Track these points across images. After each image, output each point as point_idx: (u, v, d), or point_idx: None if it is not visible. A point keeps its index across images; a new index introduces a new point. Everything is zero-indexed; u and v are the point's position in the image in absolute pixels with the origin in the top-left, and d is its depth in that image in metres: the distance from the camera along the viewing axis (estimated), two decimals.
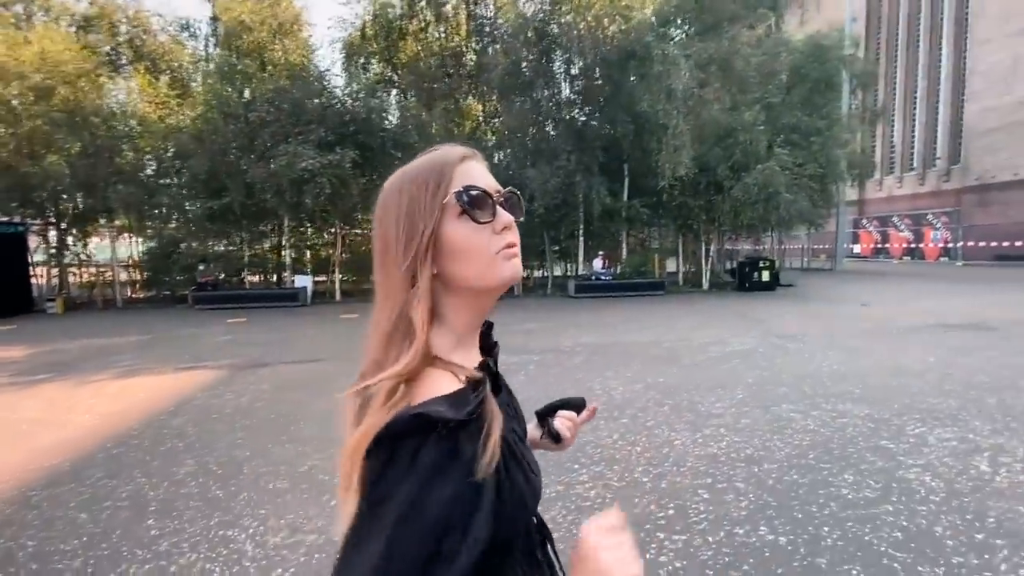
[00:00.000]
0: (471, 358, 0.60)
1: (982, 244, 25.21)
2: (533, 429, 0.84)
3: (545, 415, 0.85)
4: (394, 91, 15.09)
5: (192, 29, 16.31)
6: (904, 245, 31.01)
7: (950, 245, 27.36)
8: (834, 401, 4.48)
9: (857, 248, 33.43)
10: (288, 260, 14.61)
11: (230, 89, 12.55)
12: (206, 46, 16.44)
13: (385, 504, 0.47)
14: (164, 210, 14.36)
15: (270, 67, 13.82)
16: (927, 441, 3.56)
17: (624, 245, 16.33)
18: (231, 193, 12.79)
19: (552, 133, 12.98)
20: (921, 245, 30.07)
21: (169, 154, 14.03)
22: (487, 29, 13.31)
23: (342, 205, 12.60)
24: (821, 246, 26.72)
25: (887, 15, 33.99)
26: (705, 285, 15.97)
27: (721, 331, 8.14)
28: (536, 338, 7.93)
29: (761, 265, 14.94)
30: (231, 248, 15.12)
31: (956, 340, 6.86)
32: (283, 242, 14.86)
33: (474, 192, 0.58)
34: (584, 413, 0.87)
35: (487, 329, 0.69)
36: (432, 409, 0.49)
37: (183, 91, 15.35)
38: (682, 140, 12.34)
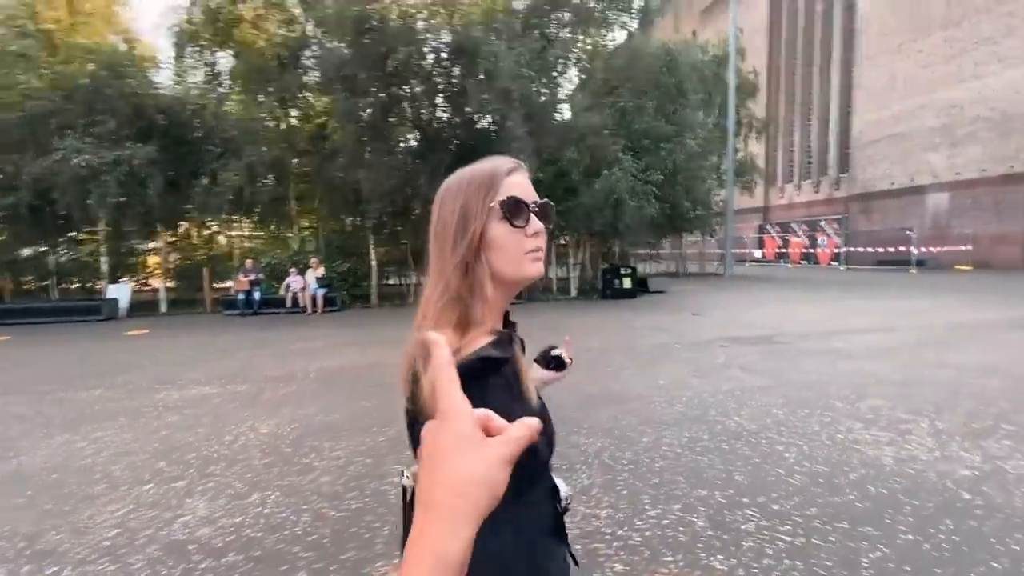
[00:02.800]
0: (499, 327, 0.75)
1: (868, 250, 26.29)
2: (537, 374, 1.00)
3: (546, 357, 1.02)
4: (227, 83, 13.77)
5: None
6: (801, 250, 32.16)
7: (839, 250, 28.50)
8: None
9: (758, 253, 34.46)
10: (105, 267, 12.99)
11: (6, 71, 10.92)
12: None
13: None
14: None
15: (74, 51, 12.22)
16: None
17: None
18: (19, 192, 11.16)
19: (386, 131, 12.06)
20: (815, 250, 31.26)
21: None
22: (313, 18, 12.27)
23: (137, 206, 11.18)
24: (715, 251, 27.12)
25: (786, 29, 35.33)
26: (573, 292, 15.50)
27: None
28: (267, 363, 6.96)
29: (623, 272, 14.60)
30: (39, 253, 13.35)
31: (721, 358, 6.42)
32: (100, 248, 13.21)
33: (514, 201, 0.72)
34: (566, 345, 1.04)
35: (507, 312, 0.80)
36: (487, 352, 0.65)
37: None
38: (522, 144, 11.73)
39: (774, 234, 34.78)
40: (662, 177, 12.62)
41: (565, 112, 14.05)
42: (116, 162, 10.16)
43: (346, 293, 13.94)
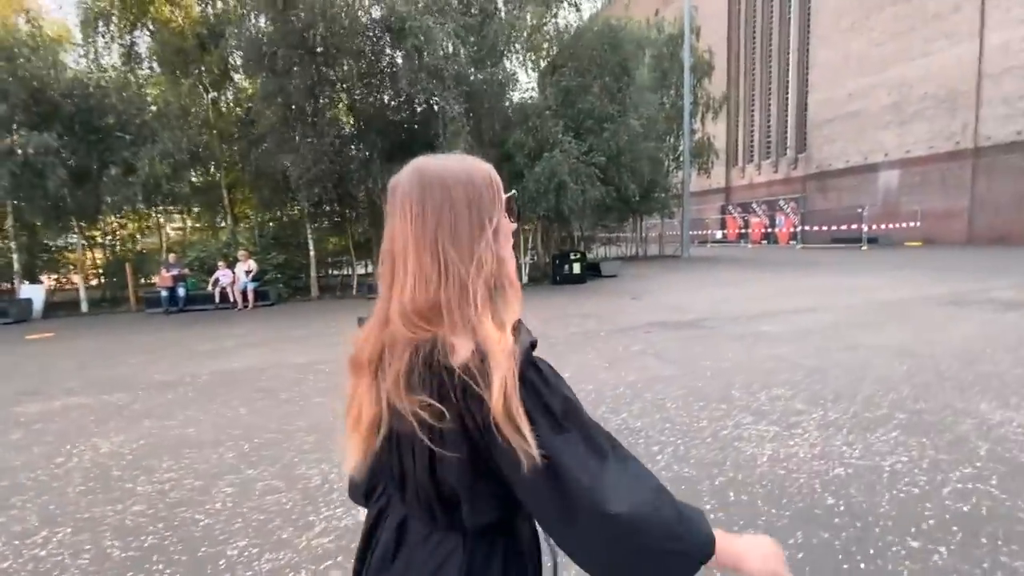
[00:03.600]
0: None
1: (824, 228, 26.59)
2: None
3: None
4: (147, 65, 12.83)
5: None
6: (762, 230, 32.49)
7: (797, 229, 28.83)
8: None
9: (719, 235, 34.73)
10: (17, 266, 12.08)
11: None
12: None
13: (571, 400, 0.66)
14: None
15: None
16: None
17: None
18: None
19: (315, 114, 11.39)
20: (775, 230, 31.62)
21: None
22: None
23: (38, 199, 10.33)
24: (675, 233, 27.13)
25: (744, 9, 35.22)
26: (524, 279, 15.17)
27: None
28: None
29: (572, 257, 14.32)
30: None
31: (638, 346, 6.17)
32: (10, 244, 12.26)
33: (512, 197, 0.77)
34: None
35: None
36: (529, 339, 0.67)
37: None
38: (458, 125, 11.24)
39: (736, 214, 35.08)
40: (604, 159, 12.27)
41: (511, 93, 13.53)
42: (8, 151, 9.31)
43: (283, 286, 13.34)
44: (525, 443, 0.59)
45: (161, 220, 14.40)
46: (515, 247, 15.36)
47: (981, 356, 4.98)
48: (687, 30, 22.12)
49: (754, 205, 33.80)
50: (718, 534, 0.68)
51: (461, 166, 0.72)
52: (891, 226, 24.03)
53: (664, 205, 24.58)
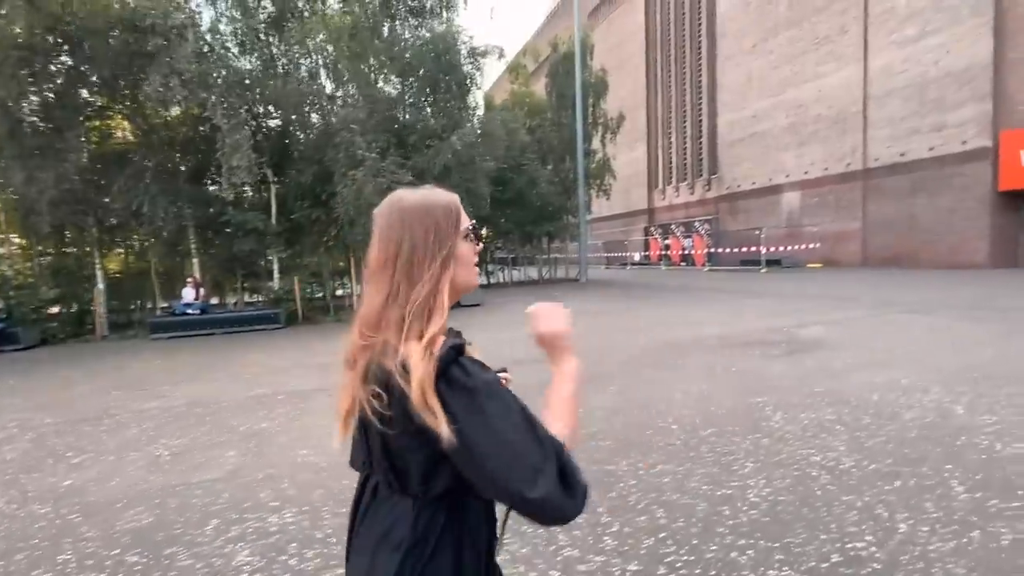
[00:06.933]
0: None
1: (733, 250, 26.03)
2: None
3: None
4: None
5: None
6: (679, 252, 31.93)
7: (711, 251, 28.28)
8: None
9: (638, 256, 34.07)
10: None
11: None
12: None
13: (480, 392, 0.76)
14: None
15: None
16: None
17: (275, 269, 13.41)
18: None
19: (61, 126, 9.67)
20: (693, 252, 31.08)
21: None
22: None
23: None
24: (569, 256, 26.13)
25: (660, 30, 35.30)
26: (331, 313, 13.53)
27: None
28: None
29: None
30: None
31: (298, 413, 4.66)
32: None
33: (472, 226, 0.91)
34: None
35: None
36: (454, 342, 0.79)
37: None
38: (236, 138, 9.72)
39: (657, 236, 34.52)
40: (413, 180, 10.90)
41: (327, 104, 12.12)
42: None
43: (57, 325, 11.40)
44: (440, 426, 0.72)
45: None
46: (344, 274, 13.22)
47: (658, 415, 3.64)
48: (577, 50, 21.40)
49: (673, 227, 33.32)
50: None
51: (424, 200, 0.87)
52: (794, 248, 23.61)
53: (564, 228, 23.59)
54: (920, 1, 18.95)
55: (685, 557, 2.31)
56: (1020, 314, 8.03)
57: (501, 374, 1.19)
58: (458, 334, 0.87)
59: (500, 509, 0.90)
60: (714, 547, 2.37)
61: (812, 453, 3.34)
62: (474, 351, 0.84)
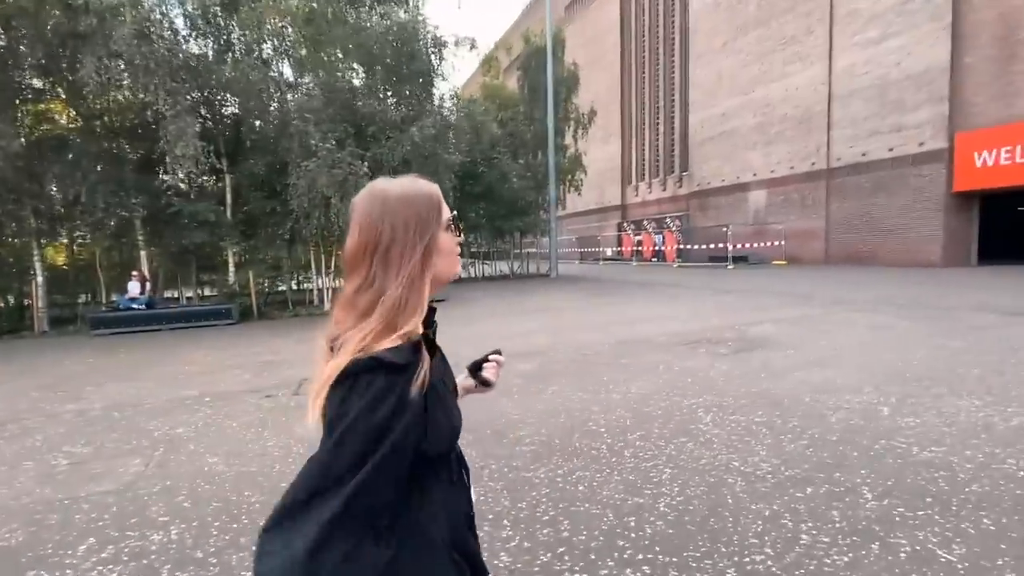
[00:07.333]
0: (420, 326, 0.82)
1: (702, 247, 26.31)
2: (465, 380, 1.15)
3: (475, 368, 1.16)
4: None
5: None
6: (651, 247, 32.17)
7: (681, 247, 28.55)
8: None
9: (610, 252, 34.24)
10: None
11: None
12: None
13: (342, 420, 0.70)
14: None
15: None
16: None
17: (231, 262, 12.97)
18: None
19: None
20: (664, 247, 31.35)
21: None
22: None
23: None
24: (543, 251, 26.08)
25: (635, 26, 35.35)
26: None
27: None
28: None
29: None
30: None
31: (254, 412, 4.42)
32: None
33: (452, 217, 0.90)
34: (500, 358, 1.18)
35: (432, 311, 0.89)
36: (382, 355, 0.72)
37: None
38: (180, 124, 9.29)
39: (630, 232, 34.72)
40: (369, 172, 10.61)
41: (284, 92, 11.71)
42: None
43: None
44: (309, 415, 0.74)
45: None
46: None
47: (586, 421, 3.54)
48: (549, 44, 21.24)
49: (645, 223, 33.57)
50: None
51: (404, 189, 0.85)
52: (761, 245, 23.99)
53: (535, 223, 23.50)
54: (882, 4, 19.30)
55: (576, 575, 2.20)
56: (963, 313, 8.22)
57: (493, 356, 1.18)
58: (415, 350, 0.78)
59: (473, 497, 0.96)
60: (611, 562, 2.28)
61: (733, 458, 3.28)
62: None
